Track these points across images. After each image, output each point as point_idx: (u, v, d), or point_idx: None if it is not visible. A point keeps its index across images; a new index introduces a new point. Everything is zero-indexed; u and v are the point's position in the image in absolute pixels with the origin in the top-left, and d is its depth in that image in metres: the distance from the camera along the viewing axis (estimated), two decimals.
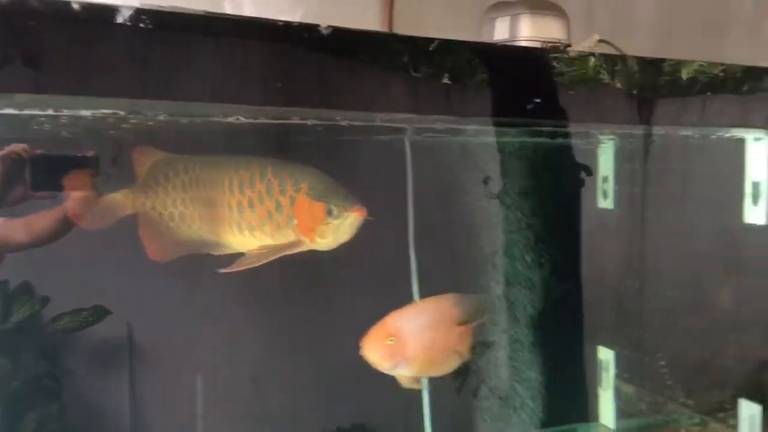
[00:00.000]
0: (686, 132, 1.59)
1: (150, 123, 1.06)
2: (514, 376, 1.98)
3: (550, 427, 1.96)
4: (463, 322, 1.38)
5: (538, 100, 1.33)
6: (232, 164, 1.20)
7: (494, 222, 1.86)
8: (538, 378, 1.98)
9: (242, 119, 1.07)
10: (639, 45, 2.62)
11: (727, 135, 1.58)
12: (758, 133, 1.53)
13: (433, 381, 1.62)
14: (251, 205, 1.16)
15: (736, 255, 1.58)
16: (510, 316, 1.92)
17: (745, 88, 1.50)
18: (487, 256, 1.85)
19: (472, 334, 1.40)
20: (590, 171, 1.98)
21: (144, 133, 1.18)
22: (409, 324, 1.32)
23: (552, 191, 1.94)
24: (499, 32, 1.73)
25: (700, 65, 1.46)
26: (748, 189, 1.55)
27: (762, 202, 1.53)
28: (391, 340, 1.30)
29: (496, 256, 1.86)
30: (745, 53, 2.81)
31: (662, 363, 1.79)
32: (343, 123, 1.17)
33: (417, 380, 1.34)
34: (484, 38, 1.70)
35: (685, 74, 1.49)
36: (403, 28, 2.17)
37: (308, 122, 1.15)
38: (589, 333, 1.99)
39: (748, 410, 1.56)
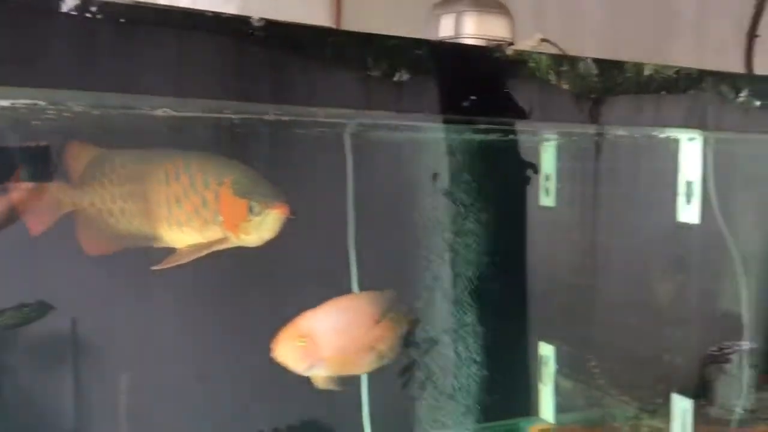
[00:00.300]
0: (622, 132, 1.61)
1: (67, 114, 1.02)
2: (457, 371, 1.98)
3: (493, 421, 1.97)
4: (382, 320, 1.36)
5: (480, 98, 1.33)
6: (161, 158, 1.18)
7: (438, 219, 1.86)
8: (480, 373, 1.99)
9: (170, 112, 1.05)
10: (588, 45, 2.66)
11: (663, 135, 1.60)
12: (692, 133, 1.55)
13: (372, 375, 1.61)
14: (178, 200, 1.14)
15: (670, 253, 1.61)
16: (453, 312, 1.93)
17: (680, 88, 1.52)
18: (430, 253, 1.85)
19: (392, 330, 1.38)
20: (536, 169, 1.99)
21: (69, 125, 1.15)
22: (323, 323, 1.30)
23: (496, 188, 1.94)
24: (444, 29, 1.73)
25: (635, 66, 1.48)
26: (681, 188, 1.57)
27: (695, 201, 1.56)
28: (303, 341, 1.28)
29: (440, 253, 1.86)
30: (691, 54, 2.86)
31: (600, 358, 1.81)
32: (270, 117, 1.16)
33: (333, 381, 1.31)
34: (429, 35, 1.70)
35: (620, 75, 1.50)
36: (350, 24, 2.16)
37: (233, 116, 1.13)
38: (530, 329, 2.00)
39: (680, 405, 1.59)
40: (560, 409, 1.93)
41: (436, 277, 1.87)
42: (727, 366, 3.81)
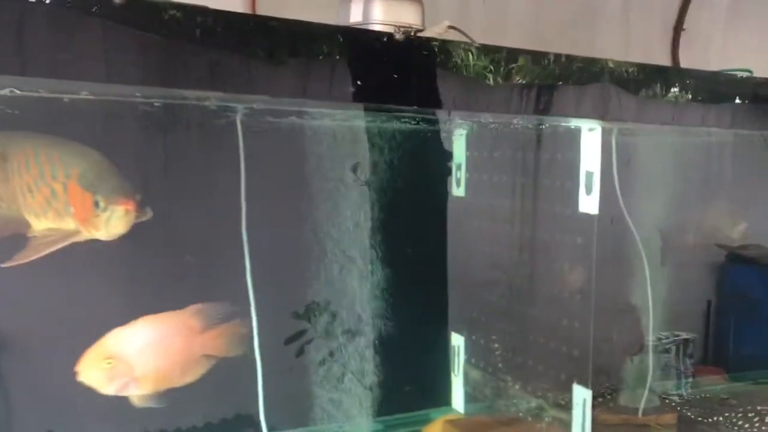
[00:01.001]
0: (523, 122, 1.58)
1: None
2: (367, 362, 1.94)
3: (404, 412, 1.94)
4: (210, 327, 1.31)
5: (372, 84, 1.28)
6: (15, 145, 1.10)
7: (344, 209, 1.81)
8: (391, 364, 1.95)
9: (17, 92, 0.97)
10: (511, 37, 2.63)
11: (565, 125, 1.57)
12: (591, 123, 1.52)
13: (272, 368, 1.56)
14: (30, 190, 1.07)
15: (572, 243, 1.58)
16: (363, 303, 1.88)
17: (581, 79, 1.50)
18: (335, 244, 1.80)
19: (226, 335, 1.33)
20: (448, 158, 1.96)
21: None
22: (132, 342, 1.23)
23: (407, 179, 1.90)
24: (354, 15, 1.67)
25: (537, 55, 1.45)
26: (582, 179, 1.54)
27: (595, 191, 1.53)
28: (110, 362, 1.21)
29: (346, 244, 1.82)
30: (617, 47, 2.85)
31: (506, 348, 1.78)
32: (141, 100, 1.09)
33: (152, 398, 1.25)
34: (340, 21, 1.64)
35: (525, 64, 1.47)
36: (265, 9, 2.09)
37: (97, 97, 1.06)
38: (441, 319, 1.97)
39: (580, 395, 1.57)
40: (470, 399, 1.90)
41: (343, 268, 1.82)
42: (664, 356, 3.85)
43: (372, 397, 1.92)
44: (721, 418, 2.03)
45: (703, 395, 3.00)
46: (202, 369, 1.29)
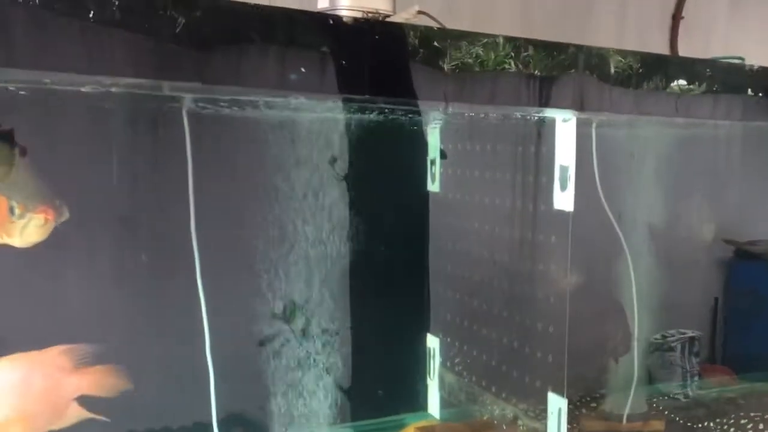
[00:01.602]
0: (496, 113, 1.47)
1: None
2: (338, 365, 1.85)
3: (378, 417, 1.84)
4: (82, 367, 1.20)
5: (340, 72, 1.18)
6: None
7: (312, 205, 1.71)
8: (364, 367, 1.85)
9: None
10: (502, 25, 2.51)
11: (538, 115, 1.46)
12: (566, 114, 1.40)
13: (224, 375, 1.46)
14: None
15: (546, 242, 1.47)
16: (333, 304, 1.78)
17: (553, 66, 1.38)
18: (303, 243, 1.70)
19: (99, 378, 1.22)
20: (424, 152, 1.85)
21: None
22: None
23: (379, 174, 1.80)
24: (322, 1, 1.56)
25: (511, 42, 1.34)
26: (556, 173, 1.43)
27: (570, 187, 1.41)
28: None
29: (313, 242, 1.72)
30: (613, 35, 2.72)
31: (480, 352, 1.68)
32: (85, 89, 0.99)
33: None
34: (307, 6, 1.54)
35: (499, 51, 1.36)
36: None
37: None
38: (416, 320, 1.86)
39: (555, 403, 1.45)
40: (446, 404, 1.79)
41: (311, 267, 1.72)
42: (669, 354, 3.72)
43: (342, 401, 1.82)
44: (711, 424, 1.91)
45: (709, 395, 2.89)
46: (78, 413, 1.18)
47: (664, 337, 3.74)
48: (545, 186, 1.46)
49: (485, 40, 1.33)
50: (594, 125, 1.59)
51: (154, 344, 1.43)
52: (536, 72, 1.34)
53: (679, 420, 1.92)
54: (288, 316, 1.78)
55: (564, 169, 1.42)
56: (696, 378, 3.57)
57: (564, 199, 1.42)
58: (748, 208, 3.28)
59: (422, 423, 1.70)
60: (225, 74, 1.06)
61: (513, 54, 1.34)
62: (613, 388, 1.85)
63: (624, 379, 1.81)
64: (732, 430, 1.89)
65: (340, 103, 1.46)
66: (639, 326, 2.51)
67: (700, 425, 1.91)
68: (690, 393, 3.05)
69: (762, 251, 3.74)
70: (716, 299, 4.07)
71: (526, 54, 1.33)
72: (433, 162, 1.79)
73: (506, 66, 1.35)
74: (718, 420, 1.94)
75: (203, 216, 1.38)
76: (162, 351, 1.42)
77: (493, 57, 1.34)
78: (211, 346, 1.40)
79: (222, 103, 1.38)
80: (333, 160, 1.83)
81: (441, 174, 1.76)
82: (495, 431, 1.60)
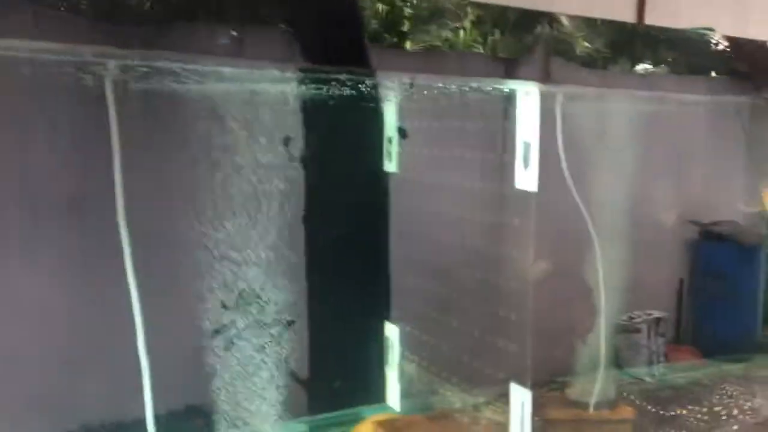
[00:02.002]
0: (454, 85, 1.36)
1: None
2: (292, 356, 1.73)
3: (334, 410, 1.73)
4: None
5: (304, 43, 1.06)
6: None
7: (264, 185, 1.59)
8: (320, 358, 1.74)
9: None
10: None
11: (499, 88, 1.35)
12: (528, 86, 1.30)
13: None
14: None
15: (509, 225, 1.36)
16: (283, 291, 1.67)
17: (516, 35, 1.28)
18: (252, 228, 1.58)
19: None
20: (380, 130, 1.73)
21: None
22: None
23: (331, 153, 1.68)
24: None
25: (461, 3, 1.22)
26: (519, 151, 1.32)
27: (533, 165, 1.31)
28: None
29: (265, 228, 1.59)
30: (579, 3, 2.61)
31: (441, 341, 1.58)
32: None
33: None
34: None
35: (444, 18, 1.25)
36: None
37: None
38: (374, 307, 1.76)
39: (518, 396, 1.36)
40: (406, 396, 1.69)
41: (261, 252, 1.60)
42: (635, 335, 3.66)
43: (297, 395, 1.71)
44: (685, 411, 1.83)
45: (676, 377, 2.84)
46: None
47: (630, 318, 3.69)
48: (507, 164, 1.35)
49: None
50: (558, 100, 1.48)
51: (81, 336, 1.30)
52: (498, 39, 1.24)
53: (649, 407, 1.84)
54: (241, 304, 1.67)
55: (527, 146, 1.31)
56: (662, 359, 3.53)
57: (527, 178, 1.32)
58: (714, 188, 3.22)
59: (380, 416, 1.59)
60: (152, 40, 0.93)
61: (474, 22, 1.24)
62: (579, 374, 1.76)
63: (591, 365, 1.72)
64: (706, 418, 1.82)
65: (282, 74, 1.34)
66: (606, 309, 2.41)
67: (672, 413, 1.84)
68: (656, 374, 3.00)
69: (727, 232, 3.70)
70: (681, 280, 4.04)
71: (486, 24, 1.22)
72: (390, 140, 1.67)
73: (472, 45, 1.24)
74: (690, 407, 1.87)
75: (138, 200, 1.25)
76: (92, 344, 1.30)
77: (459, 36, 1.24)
78: (145, 339, 1.28)
79: (156, 76, 1.25)
80: (285, 139, 1.71)
81: (399, 153, 1.65)
82: (455, 425, 1.50)
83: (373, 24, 1.53)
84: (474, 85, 1.35)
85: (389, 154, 1.69)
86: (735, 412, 1.86)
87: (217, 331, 1.66)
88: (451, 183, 1.52)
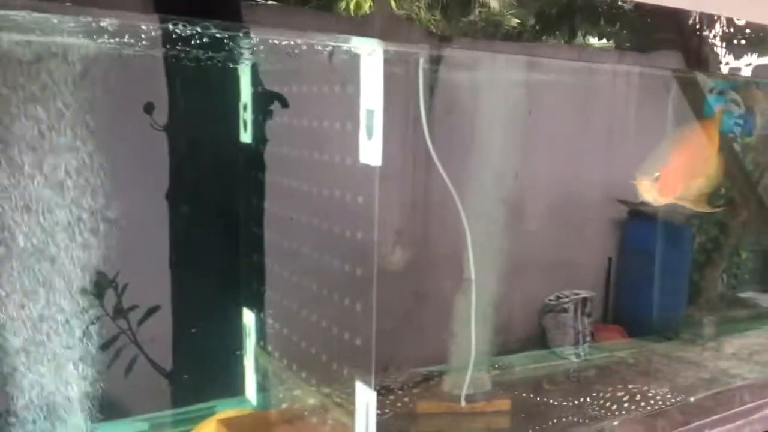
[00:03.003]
0: (294, 42, 1.16)
1: None
2: (142, 349, 1.55)
3: (186, 405, 1.55)
4: None
5: None
6: None
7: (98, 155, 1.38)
8: (170, 348, 1.56)
9: None
10: None
11: (341, 45, 1.16)
12: (371, 45, 1.11)
13: None
14: None
15: (355, 203, 1.18)
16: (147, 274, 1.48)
17: None
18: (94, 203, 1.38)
19: None
20: (237, 97, 1.53)
21: None
22: None
23: (182, 122, 1.48)
24: None
25: None
26: (363, 119, 1.14)
27: (377, 136, 1.13)
28: None
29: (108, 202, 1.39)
30: None
31: (291, 331, 1.40)
32: None
33: None
34: None
35: None
36: None
37: None
38: (231, 293, 1.57)
39: (363, 397, 1.19)
40: (262, 389, 1.52)
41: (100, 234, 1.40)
42: (562, 315, 3.58)
43: (148, 388, 1.53)
44: (565, 402, 1.69)
45: (600, 355, 2.78)
46: None
47: (558, 298, 3.61)
48: (351, 135, 1.17)
49: None
50: (421, 63, 1.30)
51: None
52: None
53: (526, 397, 1.69)
54: (93, 291, 1.47)
55: (370, 114, 1.13)
56: (588, 338, 3.46)
57: (370, 151, 1.14)
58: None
59: (228, 413, 1.42)
60: None
61: None
62: (453, 367, 1.61)
63: (466, 357, 1.57)
64: (608, 403, 1.68)
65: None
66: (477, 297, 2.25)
67: (549, 401, 1.69)
68: (582, 354, 2.92)
69: (654, 211, 3.61)
70: (610, 259, 3.95)
71: None
72: (245, 107, 1.48)
73: None
74: (596, 393, 1.73)
75: None
76: None
77: None
78: None
79: None
80: (147, 106, 1.51)
81: (254, 122, 1.45)
82: (303, 423, 1.33)
83: None
84: (312, 42, 1.16)
85: (244, 123, 1.50)
86: (638, 398, 1.74)
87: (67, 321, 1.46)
88: (305, 156, 1.34)
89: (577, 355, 2.81)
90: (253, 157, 1.46)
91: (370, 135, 1.14)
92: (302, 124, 1.32)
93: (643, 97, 3.16)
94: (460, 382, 1.54)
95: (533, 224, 2.96)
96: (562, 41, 2.92)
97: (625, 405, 1.72)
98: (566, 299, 3.52)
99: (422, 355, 1.71)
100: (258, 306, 1.50)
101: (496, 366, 2.01)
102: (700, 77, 2.56)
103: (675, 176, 1.48)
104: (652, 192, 1.47)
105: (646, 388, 1.88)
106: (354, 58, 1.14)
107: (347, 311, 1.21)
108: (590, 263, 3.78)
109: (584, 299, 3.49)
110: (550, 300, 3.51)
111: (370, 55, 1.12)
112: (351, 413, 1.22)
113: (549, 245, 3.24)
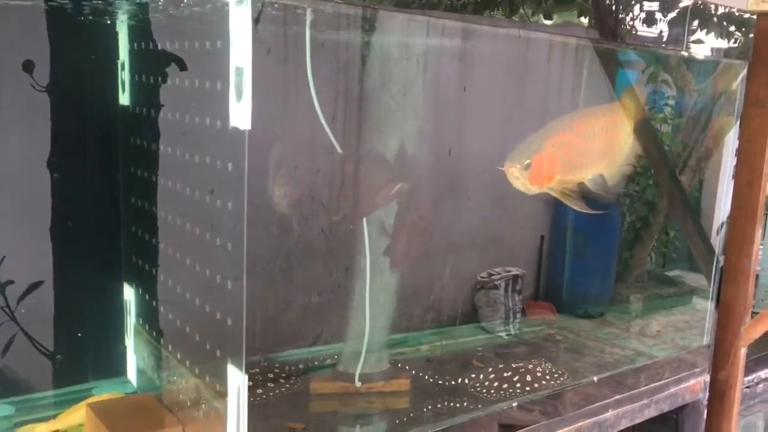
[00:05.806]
0: None
1: None
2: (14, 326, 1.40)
3: (61, 387, 1.41)
4: None
5: None
6: None
7: None
8: (43, 325, 1.41)
9: None
10: None
11: None
12: None
13: None
14: None
15: (225, 170, 1.05)
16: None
17: None
18: None
19: None
20: (115, 54, 1.38)
21: None
22: None
23: (57, 83, 1.33)
24: None
25: None
26: (231, 78, 1.01)
27: (246, 96, 1.00)
28: None
29: None
30: None
31: (165, 307, 1.27)
32: None
33: None
34: None
35: None
36: None
37: None
38: (110, 267, 1.43)
39: (234, 380, 1.07)
40: (142, 371, 1.39)
41: None
42: (494, 292, 3.51)
43: (20, 368, 1.38)
44: (467, 381, 1.60)
45: (529, 331, 2.75)
46: None
47: (489, 275, 3.54)
48: (220, 95, 1.03)
49: None
50: (308, 20, 1.17)
51: None
52: None
53: (426, 377, 1.60)
54: None
55: (239, 73, 1.00)
56: (518, 315, 3.41)
57: (239, 113, 1.01)
58: None
59: (101, 397, 1.29)
60: None
61: None
62: (348, 346, 1.50)
63: (358, 335, 1.45)
64: (501, 384, 1.59)
65: None
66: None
67: (454, 381, 1.60)
68: (512, 331, 2.88)
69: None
70: (542, 237, 3.90)
71: None
72: (123, 66, 1.33)
73: None
74: (473, 375, 1.64)
75: None
76: None
77: None
78: None
79: None
80: (26, 64, 1.35)
81: (131, 82, 1.31)
82: (176, 408, 1.20)
83: None
84: None
85: (123, 83, 1.34)
86: (531, 377, 1.66)
87: None
88: (177, 120, 1.19)
89: (507, 332, 2.77)
90: (132, 121, 1.31)
91: (239, 96, 1.00)
92: (175, 84, 1.18)
93: (578, 72, 3.07)
94: (355, 362, 1.44)
95: (467, 201, 2.87)
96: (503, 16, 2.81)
97: (531, 384, 1.64)
98: (498, 276, 3.47)
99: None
100: (138, 282, 1.36)
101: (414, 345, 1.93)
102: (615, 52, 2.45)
103: (550, 165, 1.37)
104: (522, 180, 1.36)
105: (552, 366, 1.81)
106: (223, 8, 1.00)
107: (218, 288, 1.08)
108: (523, 241, 3.73)
109: (515, 276, 3.43)
110: (482, 277, 3.45)
111: (238, 4, 0.98)
112: (224, 397, 1.09)
113: (483, 222, 3.16)
